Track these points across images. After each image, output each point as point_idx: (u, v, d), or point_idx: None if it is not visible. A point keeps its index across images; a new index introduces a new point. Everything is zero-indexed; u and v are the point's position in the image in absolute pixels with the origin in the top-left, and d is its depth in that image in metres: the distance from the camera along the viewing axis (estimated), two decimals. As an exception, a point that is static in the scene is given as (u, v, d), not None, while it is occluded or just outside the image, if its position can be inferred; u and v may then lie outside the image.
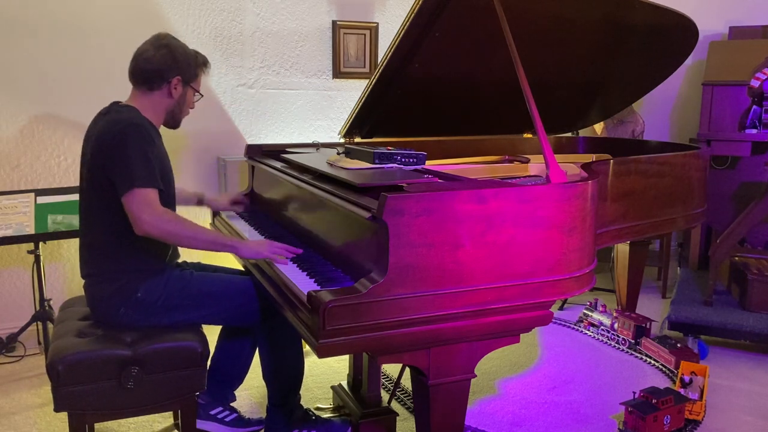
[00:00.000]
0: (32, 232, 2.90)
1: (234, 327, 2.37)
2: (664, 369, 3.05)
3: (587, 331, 3.50)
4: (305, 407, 2.37)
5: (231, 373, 2.41)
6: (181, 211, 2.20)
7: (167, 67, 2.08)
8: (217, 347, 2.40)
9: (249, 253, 2.00)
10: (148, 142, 1.99)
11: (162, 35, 2.13)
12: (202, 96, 2.25)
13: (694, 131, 4.13)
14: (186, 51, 2.14)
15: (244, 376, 2.45)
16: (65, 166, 3.29)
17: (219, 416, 2.33)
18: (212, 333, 2.24)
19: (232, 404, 2.41)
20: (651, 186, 2.63)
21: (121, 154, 1.93)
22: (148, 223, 1.89)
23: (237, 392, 2.47)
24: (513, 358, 3.15)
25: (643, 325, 3.27)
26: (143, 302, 2.04)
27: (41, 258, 2.96)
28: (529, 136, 3.36)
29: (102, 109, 2.13)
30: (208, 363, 2.07)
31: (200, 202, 2.61)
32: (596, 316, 3.50)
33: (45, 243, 3.04)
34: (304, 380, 2.34)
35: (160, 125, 2.19)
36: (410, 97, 2.68)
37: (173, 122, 2.22)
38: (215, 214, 2.78)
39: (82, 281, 2.15)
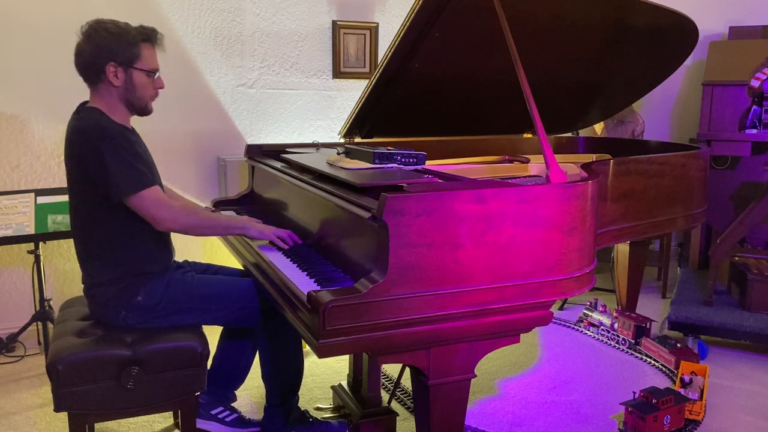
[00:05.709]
0: (32, 232, 2.90)
1: (235, 327, 2.37)
2: (664, 369, 3.04)
3: (587, 331, 3.50)
4: (303, 409, 2.37)
5: (232, 374, 2.41)
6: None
7: (95, 57, 1.95)
8: (218, 348, 2.40)
9: (256, 233, 2.15)
10: (123, 144, 1.93)
11: (88, 23, 1.97)
12: (156, 72, 2.05)
13: (694, 131, 4.12)
14: (112, 33, 1.96)
15: (245, 377, 2.45)
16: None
17: (220, 416, 2.33)
18: (213, 333, 2.24)
19: (232, 404, 2.41)
20: (651, 186, 2.63)
21: (106, 168, 1.88)
22: (169, 219, 1.95)
23: (236, 392, 2.46)
24: (513, 358, 3.15)
25: (643, 325, 3.27)
26: (144, 306, 2.03)
27: (41, 258, 2.96)
28: (529, 136, 3.36)
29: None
30: (209, 363, 2.07)
31: None
32: (596, 316, 3.50)
33: (45, 243, 3.05)
34: (304, 380, 2.34)
35: (129, 117, 2.07)
36: (410, 97, 2.68)
37: (138, 110, 2.06)
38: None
39: (82, 282, 2.15)
